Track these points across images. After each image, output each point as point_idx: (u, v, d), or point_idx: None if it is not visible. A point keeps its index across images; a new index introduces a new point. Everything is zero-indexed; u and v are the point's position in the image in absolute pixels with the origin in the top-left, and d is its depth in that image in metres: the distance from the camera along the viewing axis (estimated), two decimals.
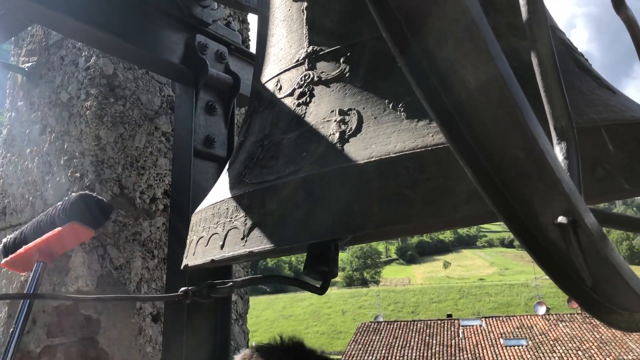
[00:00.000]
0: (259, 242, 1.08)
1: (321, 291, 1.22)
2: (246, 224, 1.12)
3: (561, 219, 0.71)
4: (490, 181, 0.70)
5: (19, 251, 1.99)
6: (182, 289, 1.16)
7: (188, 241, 1.36)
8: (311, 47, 1.28)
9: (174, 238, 1.91)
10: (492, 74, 0.59)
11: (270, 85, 1.35)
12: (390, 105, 1.09)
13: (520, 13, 1.08)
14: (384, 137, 1.04)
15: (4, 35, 1.91)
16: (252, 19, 2.16)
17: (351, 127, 1.10)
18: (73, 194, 1.89)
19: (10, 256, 2.05)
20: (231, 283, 1.18)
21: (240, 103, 2.27)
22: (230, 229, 1.16)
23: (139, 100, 2.19)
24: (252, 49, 2.60)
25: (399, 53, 0.66)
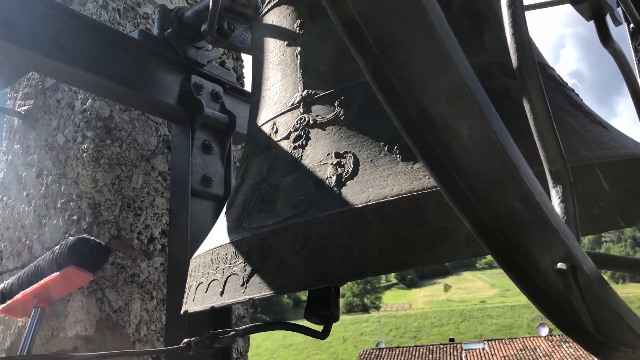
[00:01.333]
0: (258, 289, 1.08)
1: (323, 336, 1.21)
2: (245, 270, 1.12)
3: (560, 265, 0.72)
4: (488, 231, 0.71)
5: (16, 297, 1.98)
6: (185, 340, 1.15)
7: (187, 286, 1.35)
8: (306, 90, 1.29)
9: (172, 279, 1.90)
10: (486, 132, 0.60)
11: (267, 128, 1.36)
12: (386, 147, 1.10)
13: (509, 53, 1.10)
14: (380, 180, 1.05)
15: (3, 83, 1.92)
16: (246, 57, 2.19)
17: (348, 170, 1.11)
18: (70, 237, 1.89)
19: (8, 302, 2.03)
20: (233, 332, 1.18)
21: (236, 141, 2.29)
22: (229, 275, 1.16)
23: (135, 141, 2.21)
24: (247, 85, 2.63)
25: (393, 113, 0.67)
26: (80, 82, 1.87)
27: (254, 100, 1.53)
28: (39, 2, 1.69)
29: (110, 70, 1.86)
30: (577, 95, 1.36)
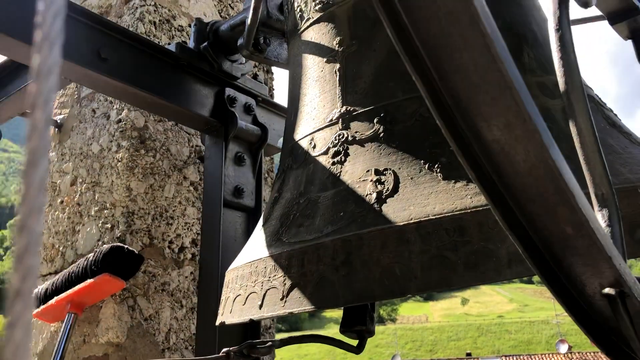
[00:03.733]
0: (298, 303, 1.09)
1: (358, 350, 1.22)
2: (285, 284, 1.14)
3: (609, 290, 0.72)
4: (539, 254, 0.72)
5: (50, 302, 2.02)
6: (224, 350, 1.17)
7: (223, 297, 1.37)
8: (345, 107, 1.31)
9: (203, 289, 1.92)
10: (544, 159, 0.61)
11: (304, 143, 1.38)
12: (426, 165, 1.11)
13: (550, 71, 1.11)
14: (421, 199, 1.06)
15: None
16: (277, 69, 2.21)
17: (388, 188, 1.12)
18: (104, 245, 1.93)
19: (42, 307, 2.07)
20: (271, 343, 1.19)
21: (266, 152, 2.31)
22: (268, 289, 1.17)
23: (168, 151, 2.24)
24: (277, 97, 2.66)
25: (449, 136, 0.68)
26: (119, 94, 1.91)
27: (290, 114, 1.55)
28: (82, 16, 1.74)
29: (148, 82, 1.90)
30: (615, 115, 1.35)
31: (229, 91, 2.12)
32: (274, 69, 2.83)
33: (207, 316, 1.83)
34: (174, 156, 2.27)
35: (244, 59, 2.22)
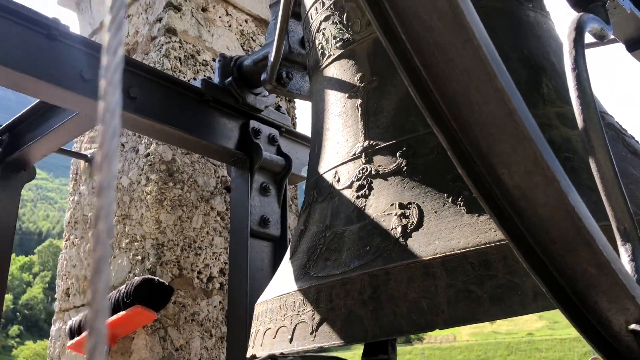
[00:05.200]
0: (328, 338, 1.12)
1: None
2: (314, 318, 1.16)
3: (635, 326, 0.74)
4: (562, 292, 0.74)
5: (84, 334, 2.07)
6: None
7: (254, 330, 1.40)
8: (367, 141, 1.35)
9: (232, 318, 1.96)
10: (563, 204, 0.64)
11: (329, 177, 1.42)
12: (450, 199, 1.14)
13: (569, 102, 1.13)
14: (446, 233, 1.09)
15: (77, 132, 2.06)
16: (299, 100, 2.26)
17: (412, 222, 1.15)
18: (136, 277, 1.98)
19: (76, 339, 2.13)
20: (292, 358, 1.22)
21: (291, 181, 2.35)
22: (298, 323, 1.20)
23: (195, 182, 2.30)
24: (299, 126, 2.71)
25: (470, 182, 0.71)
26: (148, 131, 1.98)
27: (314, 148, 1.59)
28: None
29: (175, 118, 1.97)
30: (637, 142, 1.36)
31: (253, 123, 2.18)
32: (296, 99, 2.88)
33: (237, 345, 1.86)
34: (201, 187, 2.33)
35: (266, 92, 2.28)
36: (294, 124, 2.81)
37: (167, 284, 1.98)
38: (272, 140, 2.23)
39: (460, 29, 0.61)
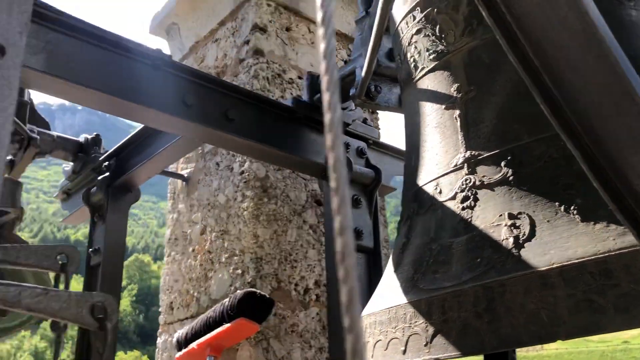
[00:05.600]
0: (443, 349, 1.13)
1: None
2: (427, 330, 1.18)
3: None
4: None
5: (191, 346, 2.18)
6: None
7: None
8: (469, 151, 1.35)
9: (333, 331, 2.00)
10: None
11: (429, 189, 1.43)
12: (562, 208, 1.12)
13: None
14: (561, 242, 1.07)
15: (179, 156, 2.18)
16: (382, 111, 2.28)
17: (524, 232, 1.14)
18: (239, 291, 2.06)
19: (184, 351, 2.23)
20: None
21: (380, 192, 2.38)
22: (410, 335, 1.22)
23: (288, 197, 2.37)
24: (383, 136, 2.73)
25: (601, 188, 0.71)
26: (245, 150, 2.06)
27: (410, 160, 1.61)
28: (212, 83, 1.91)
29: (269, 137, 2.04)
30: None
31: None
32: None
33: (339, 356, 1.90)
34: (293, 202, 2.39)
35: (354, 106, 2.32)
36: (378, 135, 2.83)
37: (268, 296, 2.05)
38: (360, 153, 2.27)
39: (593, 45, 0.62)
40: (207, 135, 1.94)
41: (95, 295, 1.08)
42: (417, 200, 1.48)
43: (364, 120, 2.40)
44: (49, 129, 2.56)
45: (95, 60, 1.64)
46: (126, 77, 1.76)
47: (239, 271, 2.25)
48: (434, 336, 1.16)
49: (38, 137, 2.32)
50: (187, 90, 1.85)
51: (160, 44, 3.40)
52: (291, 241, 2.32)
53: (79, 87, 1.56)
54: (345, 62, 2.85)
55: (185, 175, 2.77)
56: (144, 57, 1.80)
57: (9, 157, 2.46)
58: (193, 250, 2.58)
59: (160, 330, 2.66)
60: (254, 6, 2.61)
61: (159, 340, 2.62)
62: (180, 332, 2.32)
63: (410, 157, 1.61)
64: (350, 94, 2.00)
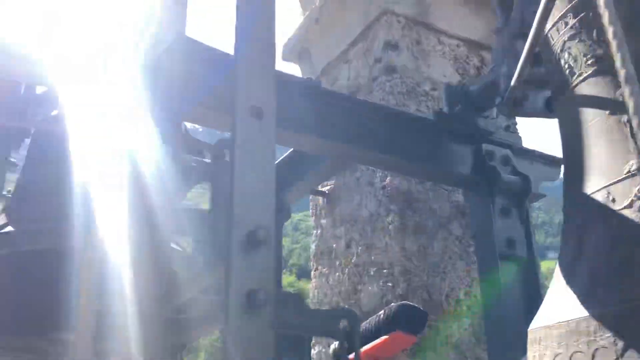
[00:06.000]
0: None
1: None
2: (616, 344, 1.15)
3: None
4: None
5: (351, 356, 2.26)
6: None
7: (535, 355, 1.41)
8: None
9: (492, 343, 1.98)
10: None
11: (599, 197, 1.39)
12: None
13: None
14: None
15: (327, 175, 2.29)
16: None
17: None
18: (393, 303, 2.11)
19: None
20: None
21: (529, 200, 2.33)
22: (597, 348, 1.19)
23: (431, 209, 2.40)
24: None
25: None
26: (390, 166, 2.12)
27: (570, 168, 1.57)
28: (355, 104, 2.00)
29: (412, 151, 2.09)
30: None
31: (486, 146, 2.21)
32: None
33: None
34: (437, 213, 2.41)
35: (494, 114, 2.30)
36: None
37: (421, 308, 2.08)
38: (506, 160, 2.24)
39: None
40: (355, 154, 2.02)
41: (340, 311, 1.19)
42: (583, 210, 1.45)
43: (506, 128, 2.36)
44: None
45: None
46: (280, 105, 1.89)
47: (390, 284, 2.30)
48: (625, 350, 1.13)
49: None
50: (335, 113, 1.94)
51: (292, 69, 3.58)
52: (438, 253, 2.34)
53: None
54: (478, 69, 2.83)
55: (326, 192, 2.89)
56: (295, 85, 1.92)
57: None
58: (339, 264, 2.68)
59: (313, 341, 2.78)
60: (384, 24, 2.68)
61: (314, 352, 2.74)
62: (336, 343, 2.41)
63: (570, 165, 1.57)
64: (496, 102, 1.99)
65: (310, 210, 3.07)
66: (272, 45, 0.73)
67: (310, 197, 3.07)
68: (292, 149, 2.30)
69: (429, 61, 2.73)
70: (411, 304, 2.08)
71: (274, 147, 0.70)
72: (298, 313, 0.99)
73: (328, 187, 2.90)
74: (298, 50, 3.23)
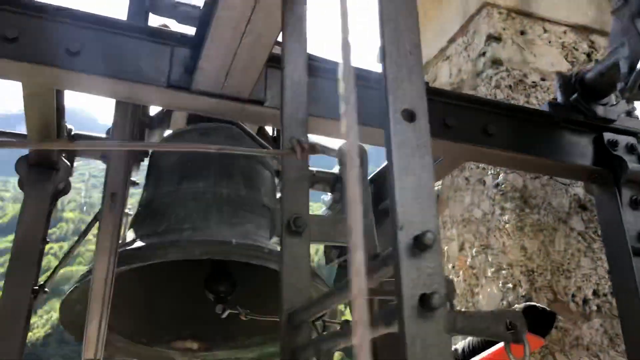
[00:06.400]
0: None
1: None
2: None
3: None
4: None
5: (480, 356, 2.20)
6: None
7: None
8: None
9: (630, 344, 1.86)
10: None
11: None
12: None
13: None
14: None
15: (440, 176, 2.26)
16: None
17: None
18: (517, 305, 2.03)
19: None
20: None
21: None
22: None
23: (550, 205, 2.29)
24: None
25: None
26: (506, 162, 2.06)
27: None
28: (467, 101, 1.95)
29: (529, 145, 2.00)
30: None
31: (607, 135, 2.08)
32: None
33: None
34: (556, 209, 2.30)
35: (613, 99, 2.16)
36: None
37: (549, 309, 1.99)
38: (631, 149, 2.09)
39: None
40: (468, 154, 1.97)
41: (506, 312, 1.18)
42: None
43: (628, 114, 2.21)
44: None
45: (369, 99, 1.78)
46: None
47: (510, 285, 2.22)
48: None
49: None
50: (447, 113, 1.91)
51: None
52: (560, 250, 2.23)
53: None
54: (588, 55, 2.68)
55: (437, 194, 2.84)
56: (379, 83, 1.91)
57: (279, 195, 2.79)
58: (453, 267, 2.62)
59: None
60: (484, 17, 2.60)
61: None
62: (456, 347, 2.36)
63: None
64: (618, 88, 1.87)
65: None
66: (418, 46, 0.73)
67: None
68: None
69: (535, 51, 2.61)
70: (536, 304, 1.99)
71: (429, 148, 0.70)
72: (464, 316, 0.98)
73: (435, 189, 2.84)
74: None
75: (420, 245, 0.65)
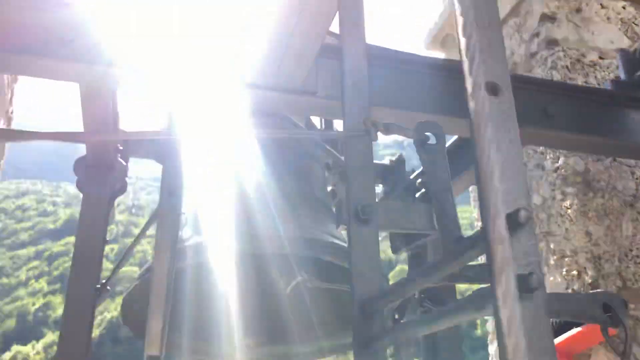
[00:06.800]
0: None
1: None
2: None
3: None
4: None
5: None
6: None
7: None
8: None
9: None
10: None
11: None
12: None
13: None
14: None
15: None
16: None
17: None
18: (582, 292, 1.95)
19: None
20: None
21: None
22: None
23: (615, 188, 2.19)
24: None
25: None
26: (566, 144, 1.98)
27: None
28: (525, 82, 1.88)
29: (591, 126, 1.91)
30: None
31: None
32: None
33: None
34: (622, 192, 2.20)
35: None
36: None
37: (621, 297, 1.90)
38: None
39: None
40: (528, 137, 1.90)
41: (602, 294, 1.15)
42: None
43: None
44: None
45: (424, 85, 1.74)
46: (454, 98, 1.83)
47: (574, 272, 2.13)
48: None
49: None
50: (549, 100, 1.84)
51: (436, 56, 3.50)
52: (628, 235, 2.13)
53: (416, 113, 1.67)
54: None
55: None
56: (454, 70, 1.85)
57: (330, 188, 2.76)
58: None
59: (490, 337, 2.67)
60: None
61: (491, 348, 2.63)
62: None
63: None
64: None
65: (472, 202, 2.95)
66: (498, 19, 0.70)
67: (470, 188, 2.95)
68: (456, 136, 2.22)
69: (592, 29, 2.50)
70: (609, 291, 1.91)
71: (515, 122, 0.66)
72: (559, 298, 0.94)
73: None
74: (441, 38, 3.15)
75: (513, 223, 0.62)
